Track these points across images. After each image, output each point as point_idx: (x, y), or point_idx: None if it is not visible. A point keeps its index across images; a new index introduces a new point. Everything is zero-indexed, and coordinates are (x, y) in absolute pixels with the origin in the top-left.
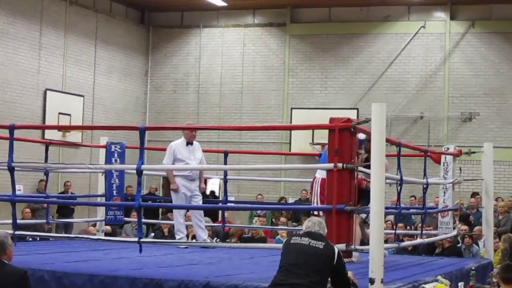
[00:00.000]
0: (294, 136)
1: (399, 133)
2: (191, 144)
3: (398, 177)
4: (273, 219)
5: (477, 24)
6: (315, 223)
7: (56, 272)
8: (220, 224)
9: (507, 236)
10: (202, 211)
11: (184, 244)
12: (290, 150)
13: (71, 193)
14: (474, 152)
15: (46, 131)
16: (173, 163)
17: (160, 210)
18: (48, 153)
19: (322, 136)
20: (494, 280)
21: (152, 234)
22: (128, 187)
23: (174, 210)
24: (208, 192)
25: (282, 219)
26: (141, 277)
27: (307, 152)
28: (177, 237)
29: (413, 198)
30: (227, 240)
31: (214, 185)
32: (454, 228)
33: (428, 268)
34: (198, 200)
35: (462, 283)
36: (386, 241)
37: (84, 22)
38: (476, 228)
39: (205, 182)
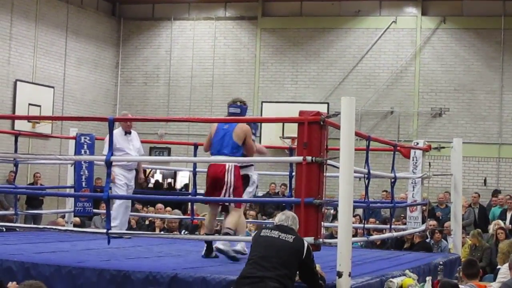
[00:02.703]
0: (264, 130)
1: (369, 128)
2: (129, 133)
3: (366, 171)
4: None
5: (448, 20)
6: (288, 217)
7: (24, 263)
8: (189, 217)
9: (476, 232)
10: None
11: (128, 235)
12: (260, 143)
13: (40, 184)
14: (443, 147)
15: (16, 122)
16: (112, 154)
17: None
18: (17, 144)
19: (293, 130)
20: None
21: None
22: (97, 179)
23: (116, 200)
24: (179, 186)
25: (252, 212)
26: (108, 268)
27: (277, 146)
28: (112, 224)
29: (384, 193)
30: (196, 233)
31: (184, 177)
32: (423, 223)
33: (396, 263)
34: (131, 191)
35: (430, 277)
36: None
37: (55, 13)
38: (447, 223)
39: (145, 173)
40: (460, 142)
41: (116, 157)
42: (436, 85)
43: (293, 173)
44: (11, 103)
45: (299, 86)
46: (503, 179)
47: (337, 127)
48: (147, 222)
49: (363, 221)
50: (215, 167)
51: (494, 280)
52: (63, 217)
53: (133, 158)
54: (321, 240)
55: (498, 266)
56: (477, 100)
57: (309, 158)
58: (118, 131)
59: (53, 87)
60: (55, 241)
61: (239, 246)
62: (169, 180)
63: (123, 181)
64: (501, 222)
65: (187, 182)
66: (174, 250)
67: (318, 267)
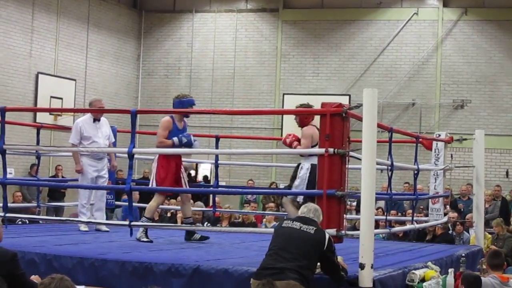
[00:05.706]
0: (285, 122)
1: (390, 120)
2: (98, 120)
3: (389, 162)
4: (265, 205)
5: (470, 12)
6: (310, 209)
7: (46, 255)
8: (211, 209)
9: (500, 220)
10: (105, 192)
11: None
12: (281, 135)
13: (62, 177)
14: (465, 139)
15: (38, 115)
16: (80, 141)
17: None
18: (39, 137)
19: (315, 122)
20: (484, 266)
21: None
22: (119, 171)
23: (79, 191)
24: (201, 178)
25: (271, 204)
26: (130, 260)
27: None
28: (80, 218)
29: (406, 185)
30: (218, 225)
31: (205, 170)
32: (445, 215)
33: (418, 255)
34: (104, 181)
35: (452, 269)
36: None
37: (76, 5)
38: (469, 215)
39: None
40: (482, 134)
41: (138, 150)
42: (457, 77)
43: None
44: (33, 95)
45: (321, 78)
46: None
47: (359, 119)
48: (169, 214)
49: (385, 213)
50: None
51: None
52: None
53: (154, 150)
54: (343, 232)
55: None
56: (499, 92)
57: (331, 150)
58: (87, 118)
59: (74, 79)
60: (77, 233)
61: None
62: (194, 173)
63: (90, 174)
64: None
65: (207, 174)
66: (196, 242)
67: (340, 258)
